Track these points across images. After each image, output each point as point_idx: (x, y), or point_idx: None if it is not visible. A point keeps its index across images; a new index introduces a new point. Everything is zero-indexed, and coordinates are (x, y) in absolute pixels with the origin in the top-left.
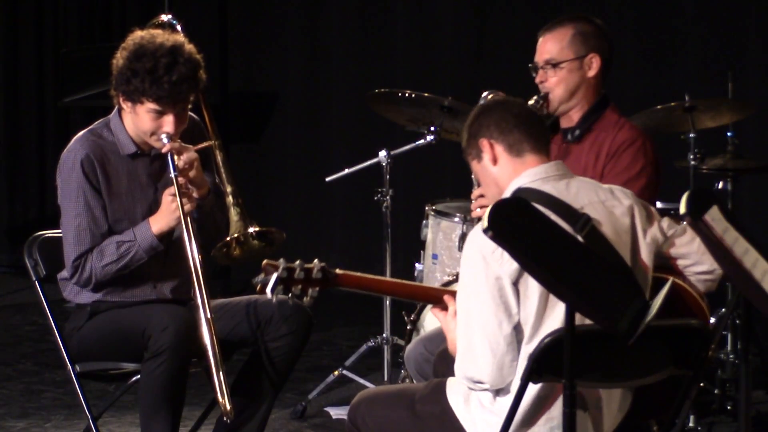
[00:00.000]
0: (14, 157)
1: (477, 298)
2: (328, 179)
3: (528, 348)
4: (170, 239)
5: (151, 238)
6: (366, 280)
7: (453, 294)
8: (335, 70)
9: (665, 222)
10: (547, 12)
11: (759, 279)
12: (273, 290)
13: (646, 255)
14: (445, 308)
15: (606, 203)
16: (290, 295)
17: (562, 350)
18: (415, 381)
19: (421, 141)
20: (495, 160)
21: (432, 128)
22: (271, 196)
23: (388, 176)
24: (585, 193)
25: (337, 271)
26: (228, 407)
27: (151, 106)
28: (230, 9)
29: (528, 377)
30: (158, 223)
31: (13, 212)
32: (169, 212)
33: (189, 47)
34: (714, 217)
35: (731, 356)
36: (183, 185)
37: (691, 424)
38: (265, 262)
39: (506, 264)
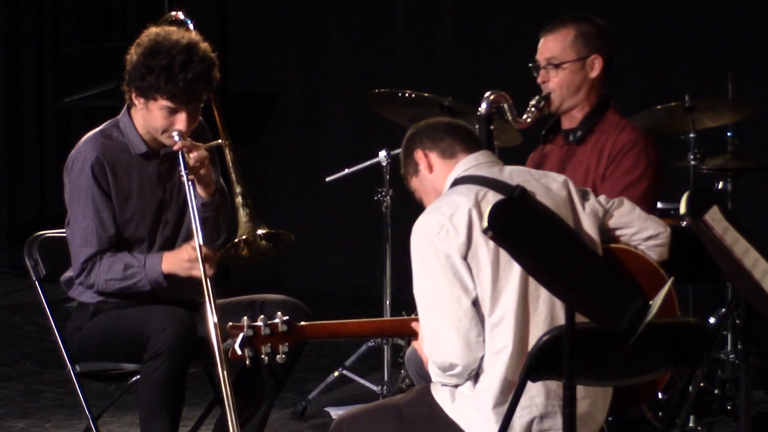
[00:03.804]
0: (14, 157)
1: (431, 280)
2: (328, 179)
3: (491, 320)
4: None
5: (158, 274)
6: (331, 326)
7: (417, 320)
8: (335, 70)
9: (602, 197)
10: (546, 12)
11: (759, 279)
12: (242, 349)
13: (588, 226)
14: (417, 336)
15: (541, 180)
16: (262, 356)
17: (560, 349)
18: (415, 382)
19: None
20: (430, 168)
21: None
22: (271, 196)
23: (388, 176)
24: (519, 174)
25: (302, 323)
26: None
27: (164, 103)
28: (230, 9)
29: (527, 376)
30: (170, 265)
31: (13, 212)
32: (183, 269)
33: (204, 45)
34: (714, 217)
35: (731, 356)
36: (206, 254)
37: (691, 424)
38: (229, 325)
39: (453, 240)
